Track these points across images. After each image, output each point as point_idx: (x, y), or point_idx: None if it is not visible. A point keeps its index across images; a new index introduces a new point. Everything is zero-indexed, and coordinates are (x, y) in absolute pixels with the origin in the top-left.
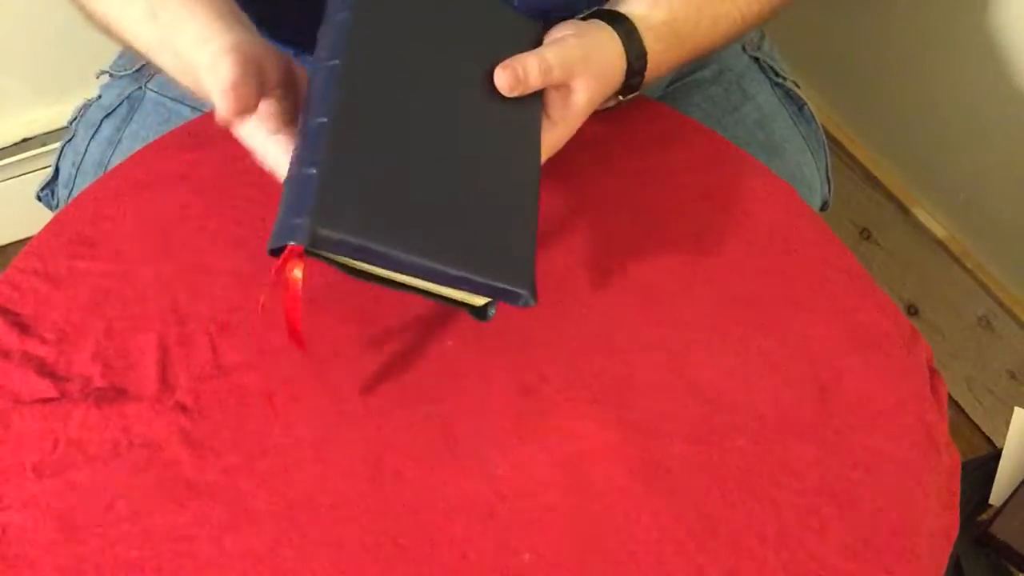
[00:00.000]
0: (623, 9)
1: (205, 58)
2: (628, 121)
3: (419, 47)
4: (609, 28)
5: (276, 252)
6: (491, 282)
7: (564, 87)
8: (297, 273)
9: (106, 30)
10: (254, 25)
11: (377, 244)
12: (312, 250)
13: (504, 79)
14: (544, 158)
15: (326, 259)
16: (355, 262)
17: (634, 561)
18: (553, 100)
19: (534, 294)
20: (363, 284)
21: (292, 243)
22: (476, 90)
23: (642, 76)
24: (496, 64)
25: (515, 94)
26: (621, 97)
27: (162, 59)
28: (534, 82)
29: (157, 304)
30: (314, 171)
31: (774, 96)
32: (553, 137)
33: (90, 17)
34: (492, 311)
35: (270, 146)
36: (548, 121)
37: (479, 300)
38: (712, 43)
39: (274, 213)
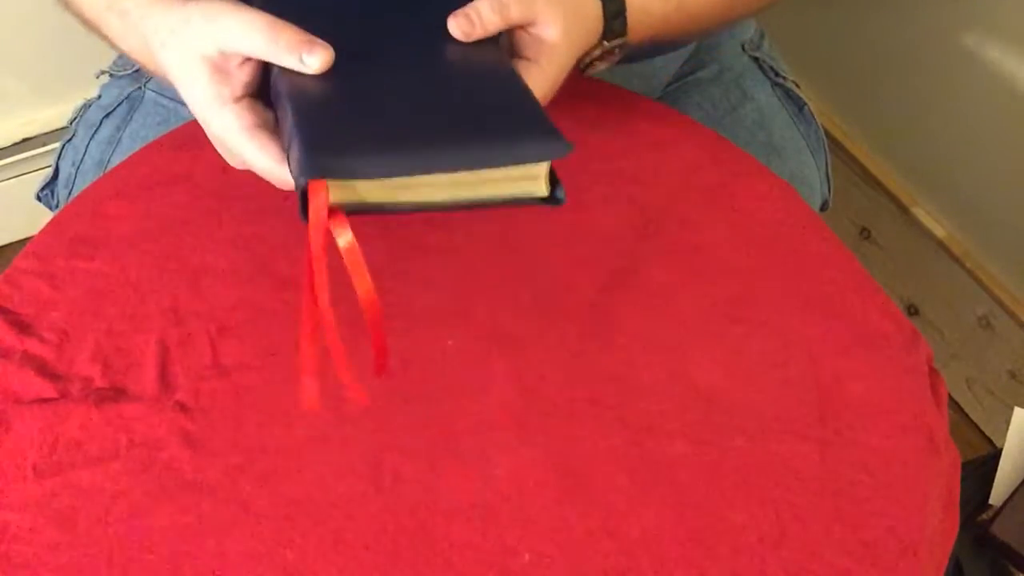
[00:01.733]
0: None
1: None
2: (628, 121)
3: (346, 19)
4: None
5: (304, 211)
6: (516, 140)
7: (531, 25)
8: (347, 238)
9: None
10: None
11: (381, 147)
12: (341, 202)
13: (458, 24)
14: (540, 97)
15: (362, 209)
16: (383, 192)
17: (634, 561)
18: (524, 40)
19: (563, 138)
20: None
21: (306, 179)
22: (421, 36)
23: (623, 16)
24: (440, 17)
25: (473, 38)
26: (606, 43)
27: (110, 25)
28: (490, 22)
29: (157, 304)
30: (287, 127)
31: (774, 96)
32: (539, 76)
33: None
34: (561, 192)
35: (246, 144)
36: (526, 61)
37: (535, 183)
38: (697, 10)
39: (274, 213)
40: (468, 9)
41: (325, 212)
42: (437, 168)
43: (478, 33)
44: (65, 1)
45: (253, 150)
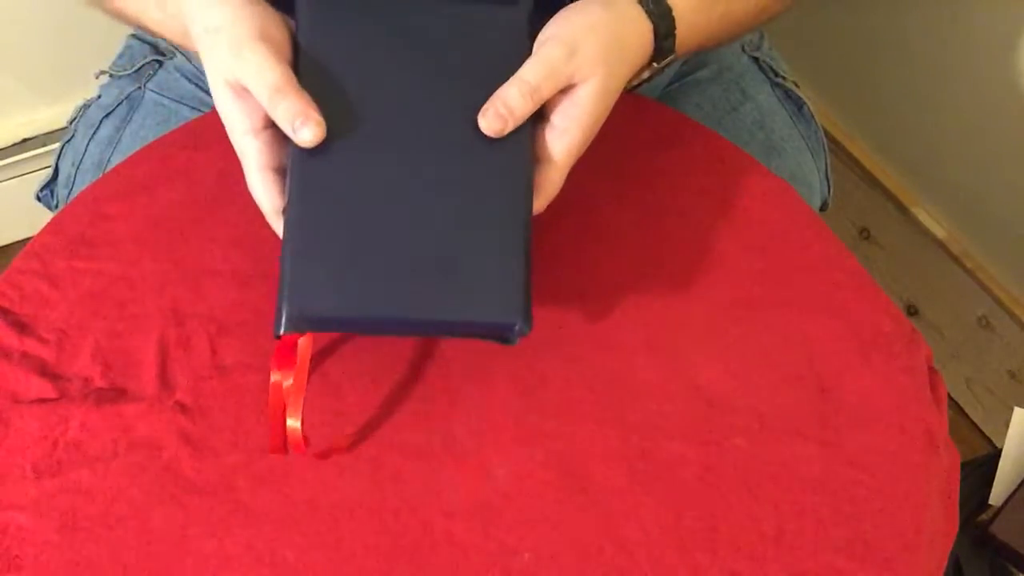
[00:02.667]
0: None
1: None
2: (628, 121)
3: (378, 83)
4: None
5: (277, 332)
6: (478, 320)
7: (568, 87)
8: (305, 340)
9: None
10: None
11: (353, 313)
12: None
13: (488, 124)
14: (568, 164)
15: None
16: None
17: (634, 561)
18: (557, 104)
19: (528, 322)
20: None
21: (279, 332)
22: (448, 116)
23: (673, 38)
24: (471, 76)
25: (508, 132)
26: (656, 64)
27: (149, 15)
28: (522, 112)
29: (157, 304)
30: (284, 257)
31: (774, 96)
32: (568, 143)
33: None
34: (513, 337)
35: (255, 181)
36: (556, 130)
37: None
38: (738, 16)
39: None
40: (497, 102)
41: (294, 346)
42: (406, 335)
43: (510, 128)
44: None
45: (259, 189)
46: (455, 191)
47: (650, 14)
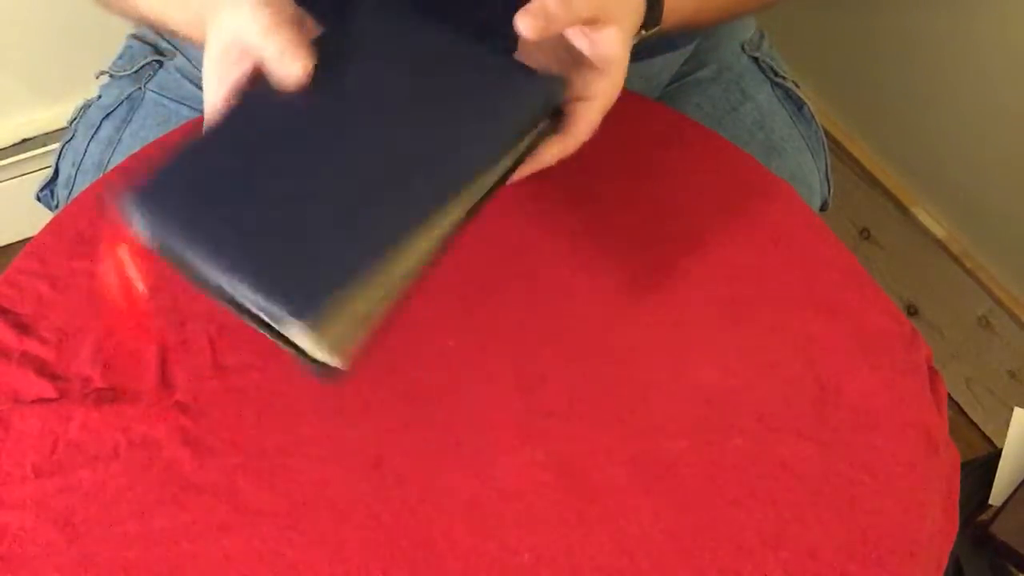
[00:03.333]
0: None
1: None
2: (628, 121)
3: (361, 85)
4: None
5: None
6: (261, 292)
7: (595, 22)
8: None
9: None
10: None
11: (182, 231)
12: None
13: (525, 24)
14: (608, 106)
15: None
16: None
17: (634, 561)
18: (585, 45)
19: (317, 327)
20: None
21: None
22: (405, 119)
23: (660, 4)
24: (442, 98)
25: (544, 36)
26: (644, 31)
27: (172, 13)
28: (559, 19)
29: (157, 304)
30: (180, 147)
31: (774, 96)
32: (607, 85)
33: None
34: (319, 366)
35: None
36: (594, 71)
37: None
38: None
39: None
40: (535, 7)
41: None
42: (211, 295)
43: (547, 33)
44: None
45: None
46: (359, 186)
47: None
